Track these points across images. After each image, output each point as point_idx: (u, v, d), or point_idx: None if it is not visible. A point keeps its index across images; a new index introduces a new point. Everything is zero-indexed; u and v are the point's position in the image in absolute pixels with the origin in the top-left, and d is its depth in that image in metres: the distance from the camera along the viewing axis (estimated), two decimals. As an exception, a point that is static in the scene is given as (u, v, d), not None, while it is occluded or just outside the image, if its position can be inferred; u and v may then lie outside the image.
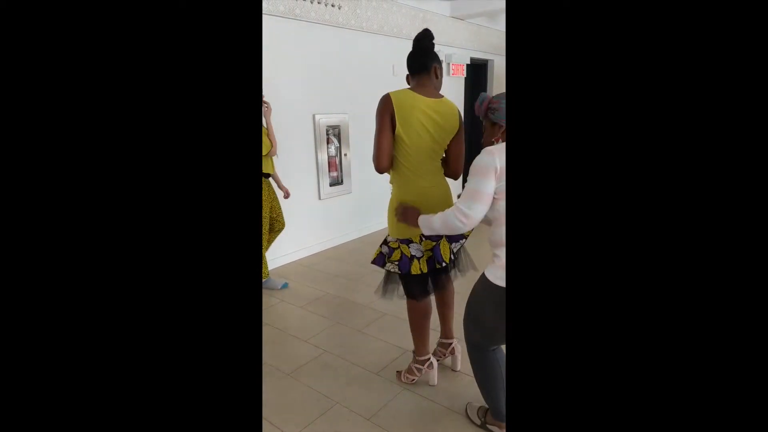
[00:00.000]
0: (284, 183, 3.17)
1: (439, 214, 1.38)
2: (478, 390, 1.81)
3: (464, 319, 1.49)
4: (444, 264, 1.68)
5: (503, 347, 1.49)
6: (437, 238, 1.67)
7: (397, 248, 1.68)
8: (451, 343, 1.95)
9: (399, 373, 1.91)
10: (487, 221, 1.36)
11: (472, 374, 1.90)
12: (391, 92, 1.57)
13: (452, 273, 1.83)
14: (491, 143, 1.36)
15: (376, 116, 1.58)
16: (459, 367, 1.95)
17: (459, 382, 1.87)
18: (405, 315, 1.89)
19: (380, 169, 1.61)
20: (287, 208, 3.42)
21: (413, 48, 1.64)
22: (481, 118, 1.41)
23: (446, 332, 1.94)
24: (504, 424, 1.53)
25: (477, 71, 5.71)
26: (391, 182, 1.71)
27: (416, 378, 1.86)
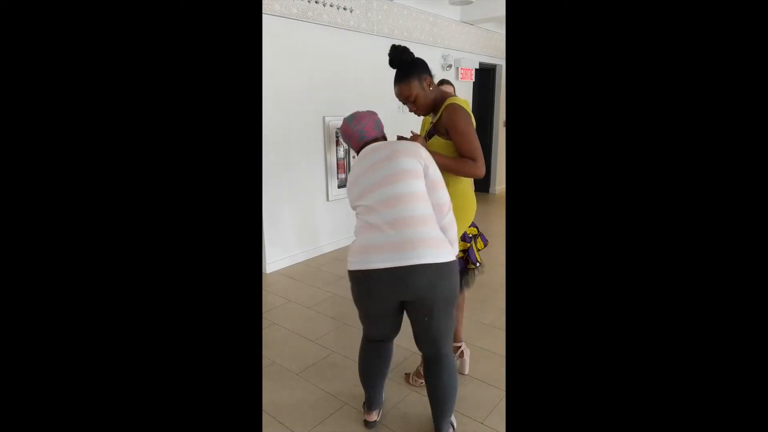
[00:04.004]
0: (294, 185, 3.18)
1: None
2: (485, 394, 1.82)
3: None
4: (478, 264, 1.70)
5: (389, 345, 1.57)
6: (469, 239, 1.70)
7: None
8: (459, 347, 1.95)
9: (407, 375, 1.92)
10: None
11: (482, 378, 1.91)
12: (458, 99, 1.57)
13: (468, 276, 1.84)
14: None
15: (466, 123, 1.53)
16: (467, 371, 1.95)
17: (467, 385, 1.88)
18: (414, 317, 1.89)
19: (484, 173, 1.57)
20: (296, 209, 3.45)
21: (421, 61, 1.60)
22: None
23: (456, 336, 1.95)
24: (371, 413, 1.63)
25: (485, 75, 5.72)
26: (450, 189, 1.56)
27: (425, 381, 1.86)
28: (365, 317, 1.47)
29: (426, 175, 1.38)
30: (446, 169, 1.53)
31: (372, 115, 1.54)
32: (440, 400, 1.46)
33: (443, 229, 1.42)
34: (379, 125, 1.53)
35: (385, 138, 1.55)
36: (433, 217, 1.36)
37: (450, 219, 1.42)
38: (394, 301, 1.36)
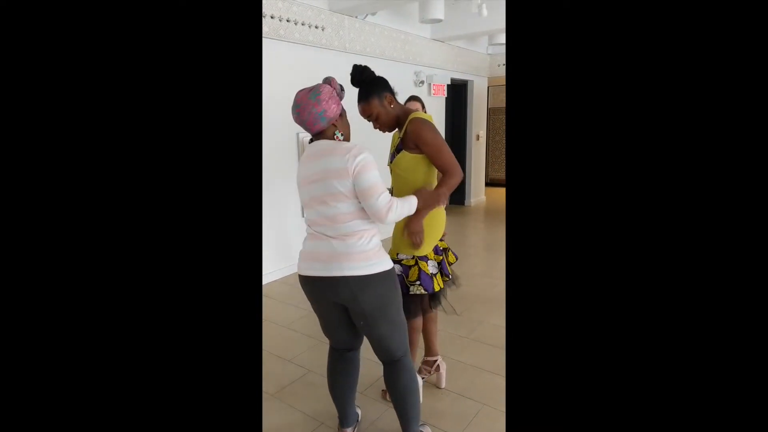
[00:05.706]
0: (267, 201, 3.15)
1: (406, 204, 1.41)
2: (462, 408, 1.82)
3: None
4: (450, 277, 1.72)
5: (353, 355, 1.56)
6: (441, 252, 1.72)
7: (413, 265, 1.66)
8: (435, 360, 1.96)
9: (384, 392, 1.91)
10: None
11: (458, 392, 1.92)
12: (420, 114, 1.60)
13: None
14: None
15: (432, 135, 1.56)
16: (444, 385, 1.95)
17: (444, 400, 1.88)
18: (390, 333, 1.88)
19: (462, 175, 1.60)
20: (269, 226, 3.41)
21: (381, 79, 1.64)
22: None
23: (431, 350, 1.95)
24: (345, 431, 1.62)
25: (457, 91, 5.84)
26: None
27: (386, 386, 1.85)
28: (320, 323, 1.50)
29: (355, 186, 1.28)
30: (445, 197, 1.56)
31: (332, 98, 1.40)
32: (401, 401, 1.47)
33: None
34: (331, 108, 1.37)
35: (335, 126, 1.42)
36: (362, 228, 1.32)
37: (395, 215, 1.33)
38: (333, 305, 1.39)
